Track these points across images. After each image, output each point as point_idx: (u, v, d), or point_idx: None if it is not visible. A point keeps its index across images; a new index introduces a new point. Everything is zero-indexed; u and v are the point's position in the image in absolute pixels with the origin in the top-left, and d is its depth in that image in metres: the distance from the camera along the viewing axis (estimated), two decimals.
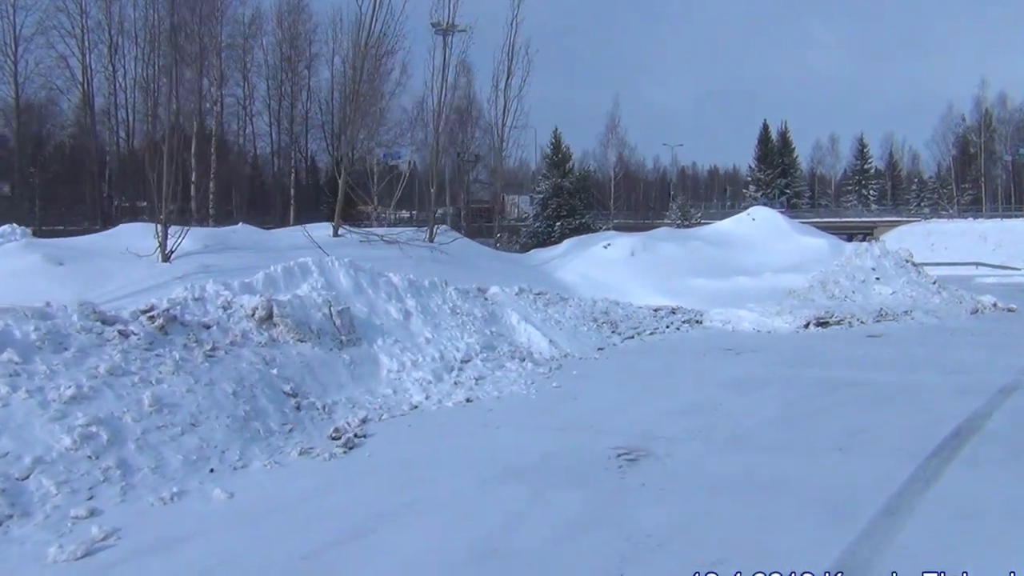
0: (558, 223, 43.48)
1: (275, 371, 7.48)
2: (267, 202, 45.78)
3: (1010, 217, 62.05)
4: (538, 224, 45.45)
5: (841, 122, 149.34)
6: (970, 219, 62.18)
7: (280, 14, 47.08)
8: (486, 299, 12.77)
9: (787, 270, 16.86)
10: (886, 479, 5.13)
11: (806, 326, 13.95)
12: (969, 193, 73.61)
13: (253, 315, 8.36)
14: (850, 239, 65.55)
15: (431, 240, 17.04)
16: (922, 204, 76.10)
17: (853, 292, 15.21)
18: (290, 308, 8.65)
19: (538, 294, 13.77)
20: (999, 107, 73.72)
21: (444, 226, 20.20)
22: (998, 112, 73.73)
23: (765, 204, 79.20)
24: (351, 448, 6.41)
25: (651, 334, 13.85)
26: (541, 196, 46.56)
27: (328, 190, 39.27)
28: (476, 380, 9.41)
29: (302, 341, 8.41)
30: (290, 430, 6.60)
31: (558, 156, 53.22)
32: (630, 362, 11.07)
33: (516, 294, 13.36)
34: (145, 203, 23.43)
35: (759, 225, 19.10)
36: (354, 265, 10.92)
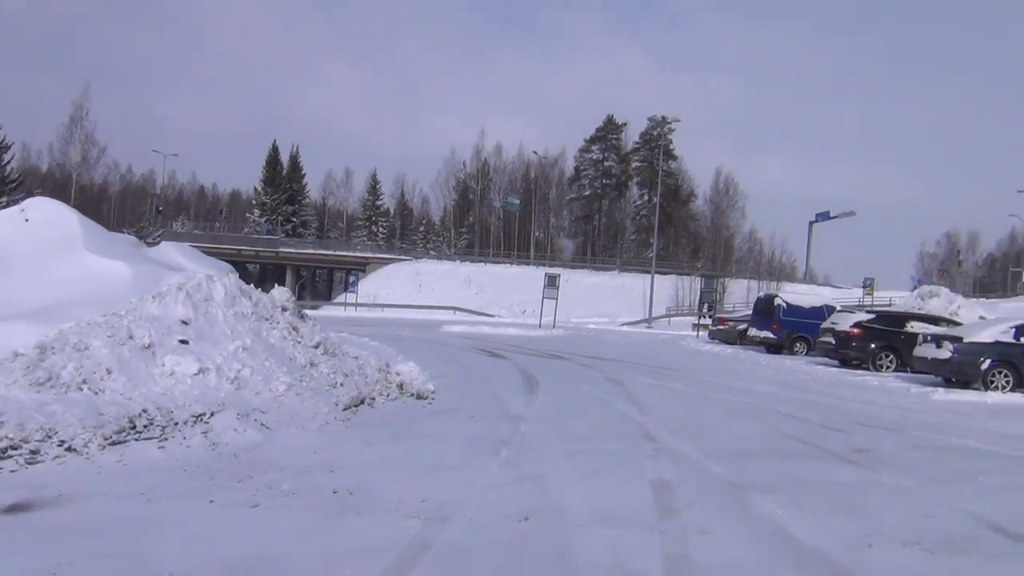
0: None
1: None
2: None
3: (498, 263, 63.48)
4: None
5: (356, 159, 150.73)
6: (456, 261, 62.00)
7: None
8: None
9: (28, 316, 8.11)
10: None
11: None
12: (465, 237, 75.38)
13: None
14: (348, 274, 60.80)
15: None
16: (428, 245, 75.98)
17: (109, 371, 7.05)
18: None
19: None
20: (495, 157, 77.37)
21: None
22: (495, 162, 77.31)
23: (269, 232, 71.46)
24: None
25: None
26: None
27: None
28: None
29: None
30: None
31: None
32: None
33: None
34: None
35: (35, 229, 10.19)
36: None
